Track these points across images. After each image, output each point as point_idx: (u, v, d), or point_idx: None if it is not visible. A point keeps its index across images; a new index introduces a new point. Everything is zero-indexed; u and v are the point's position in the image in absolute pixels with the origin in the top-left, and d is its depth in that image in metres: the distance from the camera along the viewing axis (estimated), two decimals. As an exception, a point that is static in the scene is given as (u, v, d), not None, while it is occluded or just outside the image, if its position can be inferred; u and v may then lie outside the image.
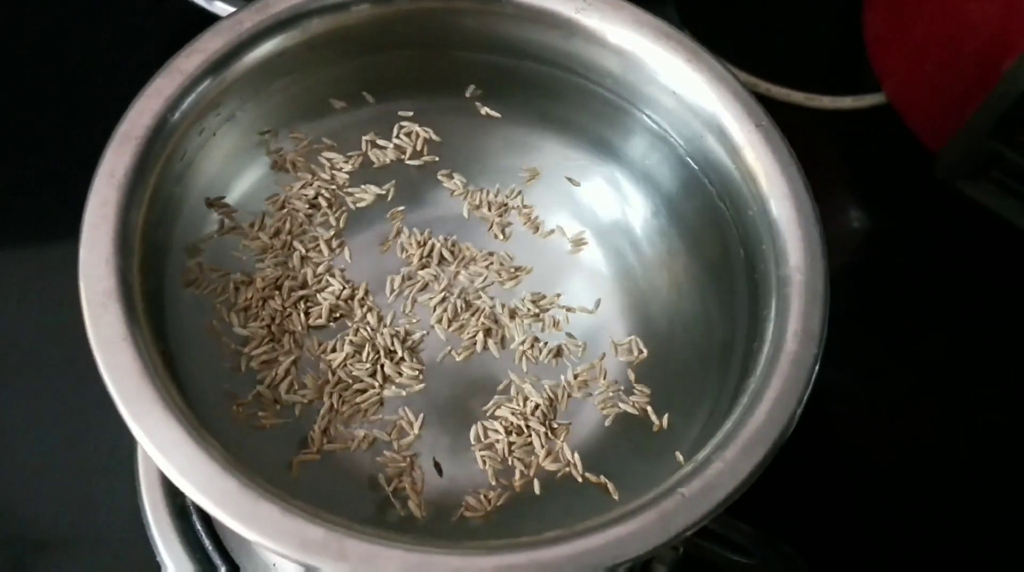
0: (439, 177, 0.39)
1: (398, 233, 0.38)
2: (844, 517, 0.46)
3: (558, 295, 0.37)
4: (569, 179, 0.39)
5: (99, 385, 0.42)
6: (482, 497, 0.33)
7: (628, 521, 0.28)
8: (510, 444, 0.34)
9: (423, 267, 0.37)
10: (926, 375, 0.51)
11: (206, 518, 0.39)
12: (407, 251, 0.37)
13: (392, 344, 0.35)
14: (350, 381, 0.34)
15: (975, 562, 0.45)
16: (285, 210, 0.37)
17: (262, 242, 0.36)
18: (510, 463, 0.34)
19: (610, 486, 0.33)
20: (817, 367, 0.30)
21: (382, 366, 0.35)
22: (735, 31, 0.61)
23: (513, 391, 0.35)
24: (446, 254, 0.37)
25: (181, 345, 0.32)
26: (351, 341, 0.35)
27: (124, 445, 0.41)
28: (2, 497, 0.42)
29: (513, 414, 0.34)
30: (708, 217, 0.36)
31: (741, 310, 0.34)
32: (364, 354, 0.35)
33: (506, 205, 0.39)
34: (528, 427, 0.34)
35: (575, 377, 0.35)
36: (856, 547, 0.45)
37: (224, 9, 0.51)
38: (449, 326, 0.36)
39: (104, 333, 0.28)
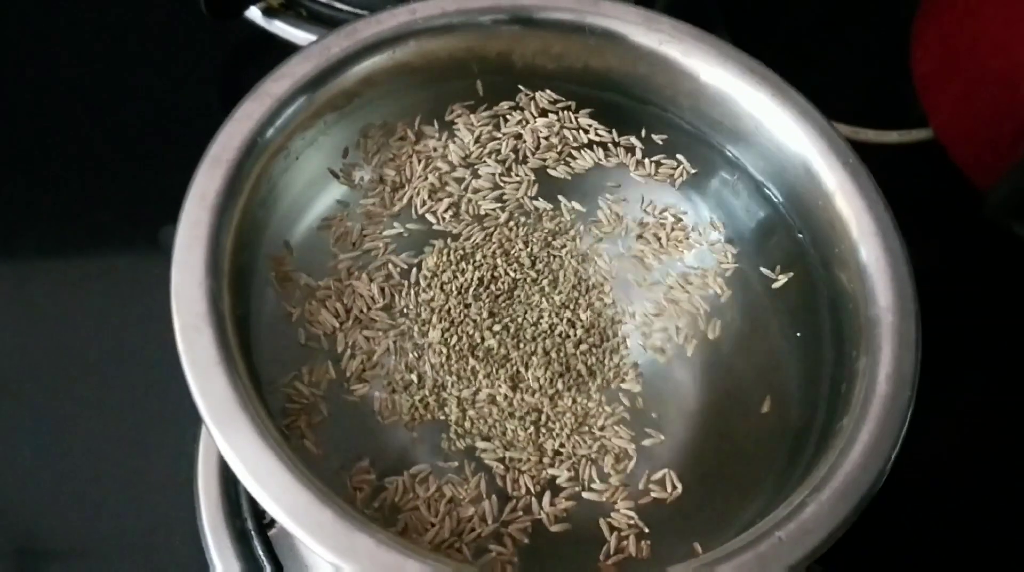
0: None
1: None
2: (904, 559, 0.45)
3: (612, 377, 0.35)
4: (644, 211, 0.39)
5: (160, 401, 0.42)
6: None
7: (722, 564, 0.27)
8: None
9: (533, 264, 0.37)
10: (975, 418, 0.51)
11: (267, 542, 0.39)
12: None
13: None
14: (370, 318, 0.35)
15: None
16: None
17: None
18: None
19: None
20: (911, 410, 0.30)
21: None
22: (781, 63, 0.61)
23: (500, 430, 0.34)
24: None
25: (268, 370, 0.32)
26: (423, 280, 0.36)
27: (183, 466, 0.40)
28: (60, 508, 0.42)
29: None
30: (790, 253, 0.36)
31: (827, 353, 0.33)
32: (395, 301, 0.35)
33: (620, 217, 0.38)
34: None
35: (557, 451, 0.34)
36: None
37: (284, 29, 0.51)
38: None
39: (198, 358, 0.28)
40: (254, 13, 0.50)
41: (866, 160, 0.60)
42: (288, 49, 0.35)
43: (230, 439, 0.27)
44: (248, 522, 0.39)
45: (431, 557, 0.27)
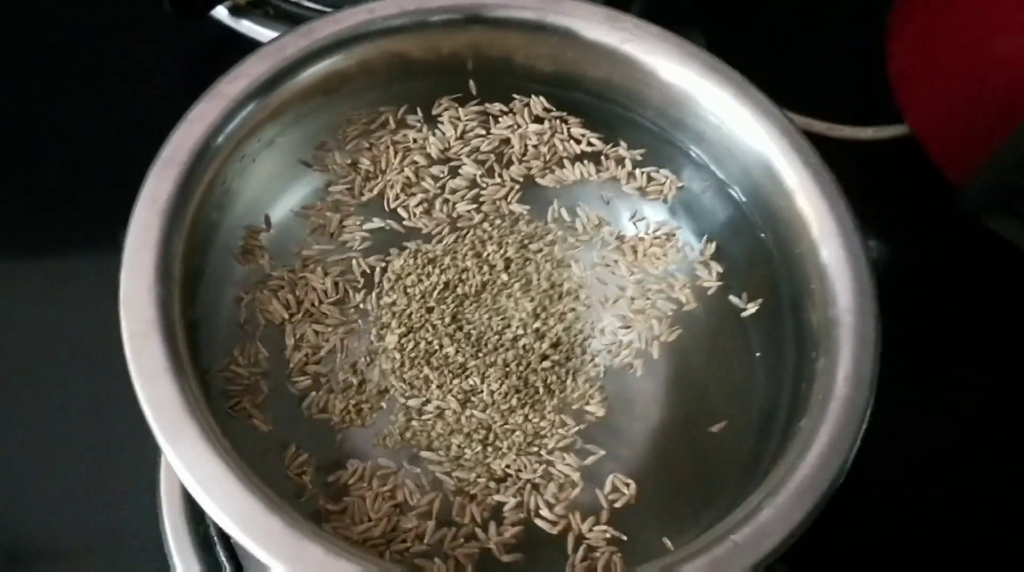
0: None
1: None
2: (873, 557, 0.45)
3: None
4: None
5: (124, 405, 0.41)
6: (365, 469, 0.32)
7: (678, 569, 0.27)
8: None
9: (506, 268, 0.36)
10: (948, 414, 0.51)
11: (230, 549, 0.39)
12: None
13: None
14: (321, 312, 0.34)
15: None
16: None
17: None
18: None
19: None
20: (869, 412, 0.30)
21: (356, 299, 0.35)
22: (758, 59, 0.61)
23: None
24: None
25: (219, 377, 0.31)
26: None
27: (147, 471, 0.40)
28: (22, 511, 0.42)
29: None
30: (754, 254, 0.36)
31: (788, 355, 0.33)
32: (349, 297, 0.35)
33: (599, 226, 0.37)
34: None
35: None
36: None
37: (251, 28, 0.50)
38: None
39: (146, 366, 0.28)
40: (220, 12, 0.50)
41: (841, 156, 0.60)
42: (255, 48, 0.34)
43: (177, 448, 0.27)
44: (211, 528, 0.38)
45: (381, 566, 0.26)
